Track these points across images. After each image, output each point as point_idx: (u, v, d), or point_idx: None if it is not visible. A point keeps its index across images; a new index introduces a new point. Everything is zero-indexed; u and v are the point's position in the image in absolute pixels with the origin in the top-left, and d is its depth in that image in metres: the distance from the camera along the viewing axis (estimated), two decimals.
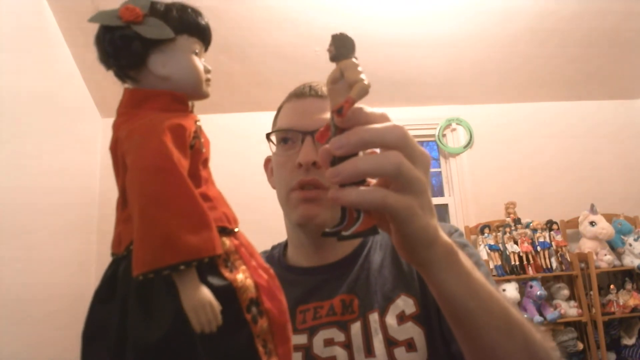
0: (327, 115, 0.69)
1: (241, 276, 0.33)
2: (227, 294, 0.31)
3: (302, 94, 0.74)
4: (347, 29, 0.38)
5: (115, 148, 0.34)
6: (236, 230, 0.36)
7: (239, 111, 2.86)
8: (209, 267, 0.31)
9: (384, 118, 0.38)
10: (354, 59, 0.36)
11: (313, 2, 2.25)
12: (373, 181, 0.42)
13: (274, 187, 0.80)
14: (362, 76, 0.35)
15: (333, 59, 0.36)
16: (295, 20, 2.32)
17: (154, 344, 0.28)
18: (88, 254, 2.47)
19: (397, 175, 0.36)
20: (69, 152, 2.34)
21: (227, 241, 0.34)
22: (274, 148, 0.76)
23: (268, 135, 0.77)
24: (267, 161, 0.84)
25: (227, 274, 0.32)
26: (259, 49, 2.47)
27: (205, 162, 0.36)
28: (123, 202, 0.33)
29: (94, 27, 0.36)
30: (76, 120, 2.47)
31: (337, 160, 0.36)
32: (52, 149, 2.16)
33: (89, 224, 2.52)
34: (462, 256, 0.44)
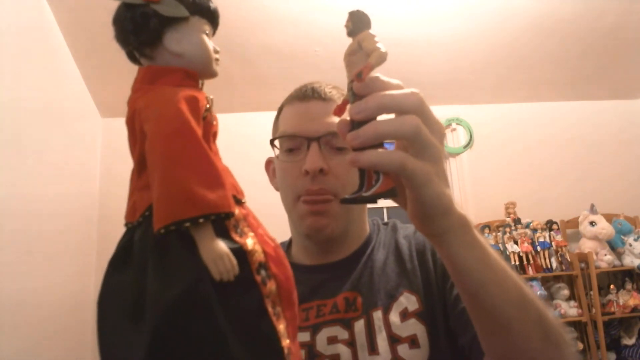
0: (332, 118, 0.69)
1: (250, 241, 0.35)
2: (238, 255, 0.33)
3: (305, 96, 0.73)
4: (363, 9, 0.39)
5: (132, 120, 0.36)
6: (243, 201, 0.38)
7: (239, 111, 2.86)
8: (220, 231, 0.33)
9: (399, 86, 0.40)
10: (370, 31, 0.38)
11: (313, 3, 2.25)
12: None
13: (276, 189, 0.80)
14: (380, 45, 0.37)
15: (350, 34, 0.38)
16: (295, 20, 2.33)
17: (173, 300, 0.30)
18: (88, 255, 2.47)
19: (414, 138, 0.37)
20: (69, 152, 2.34)
21: (236, 209, 0.35)
22: (277, 153, 0.75)
23: (272, 141, 0.76)
24: (269, 162, 0.83)
25: (237, 238, 0.34)
26: (259, 49, 2.47)
27: (215, 135, 0.38)
28: (139, 171, 0.35)
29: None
30: (76, 120, 2.47)
31: (356, 125, 0.37)
32: (52, 149, 2.16)
33: (89, 223, 2.52)
34: (476, 230, 0.44)
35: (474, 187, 2.91)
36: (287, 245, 0.84)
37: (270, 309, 0.33)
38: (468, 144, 2.97)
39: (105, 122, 2.74)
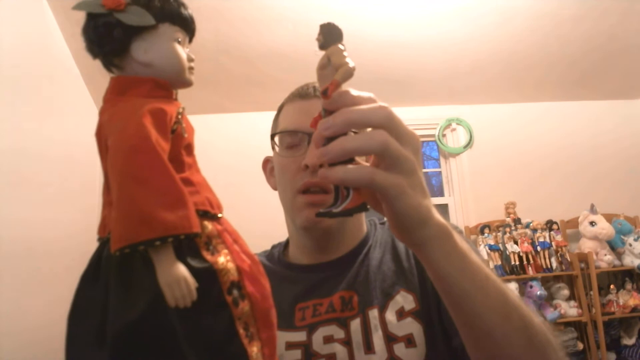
0: None
1: (222, 259, 0.33)
2: (208, 275, 0.31)
3: (307, 94, 0.74)
4: (348, 29, 0.38)
5: (100, 133, 0.34)
6: (219, 215, 0.36)
7: (239, 111, 2.87)
8: (189, 249, 0.32)
9: (370, 100, 0.39)
10: (340, 46, 0.37)
11: (313, 3, 2.25)
12: (365, 163, 0.42)
13: (273, 188, 0.80)
14: (348, 60, 0.37)
15: (322, 47, 0.38)
16: (295, 20, 2.33)
17: (132, 322, 0.29)
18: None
19: (383, 153, 0.37)
20: (69, 151, 2.35)
21: (210, 225, 0.34)
22: (277, 149, 0.76)
23: (272, 136, 0.76)
24: (266, 161, 0.84)
25: (208, 256, 0.32)
26: (259, 49, 2.47)
27: (189, 147, 0.36)
28: (107, 186, 0.34)
29: (78, 10, 0.37)
30: (76, 119, 2.47)
31: (327, 141, 0.37)
32: (52, 149, 2.16)
33: (89, 224, 2.52)
34: (458, 237, 0.44)
35: (474, 187, 2.91)
36: (284, 246, 0.84)
37: (241, 331, 0.32)
38: (468, 144, 2.96)
39: None
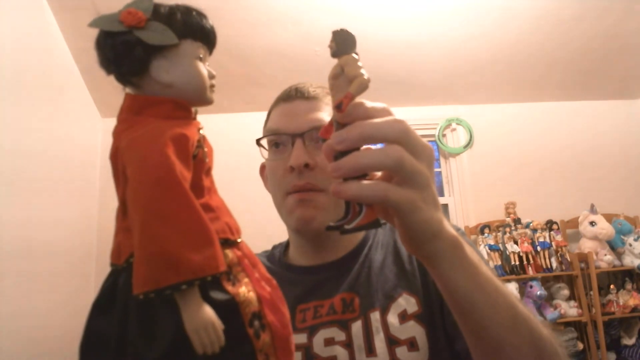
0: (316, 115, 0.70)
1: (244, 289, 0.32)
2: (230, 308, 0.30)
3: (289, 96, 0.74)
4: (348, 29, 0.38)
5: (116, 157, 0.32)
6: (239, 240, 0.35)
7: (239, 111, 2.86)
8: (211, 281, 0.30)
9: (385, 112, 0.38)
10: (354, 55, 0.36)
11: (313, 3, 2.25)
12: (378, 174, 0.41)
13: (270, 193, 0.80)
14: (362, 71, 0.35)
15: (334, 54, 0.37)
16: (295, 20, 2.32)
17: None
18: (88, 258, 2.46)
19: (398, 169, 0.36)
20: (69, 152, 2.34)
21: (230, 253, 0.33)
22: (265, 154, 0.75)
23: (258, 141, 0.76)
24: (263, 167, 0.83)
25: (229, 287, 0.31)
26: (259, 49, 2.47)
27: (208, 171, 0.35)
28: (123, 212, 0.32)
29: (94, 28, 0.35)
30: (76, 120, 2.47)
31: (340, 154, 0.36)
32: (52, 150, 2.16)
33: (89, 224, 2.52)
34: (468, 250, 0.43)
35: (474, 187, 2.91)
36: (284, 247, 0.84)
37: None
38: (468, 144, 2.96)
39: (105, 122, 2.73)
